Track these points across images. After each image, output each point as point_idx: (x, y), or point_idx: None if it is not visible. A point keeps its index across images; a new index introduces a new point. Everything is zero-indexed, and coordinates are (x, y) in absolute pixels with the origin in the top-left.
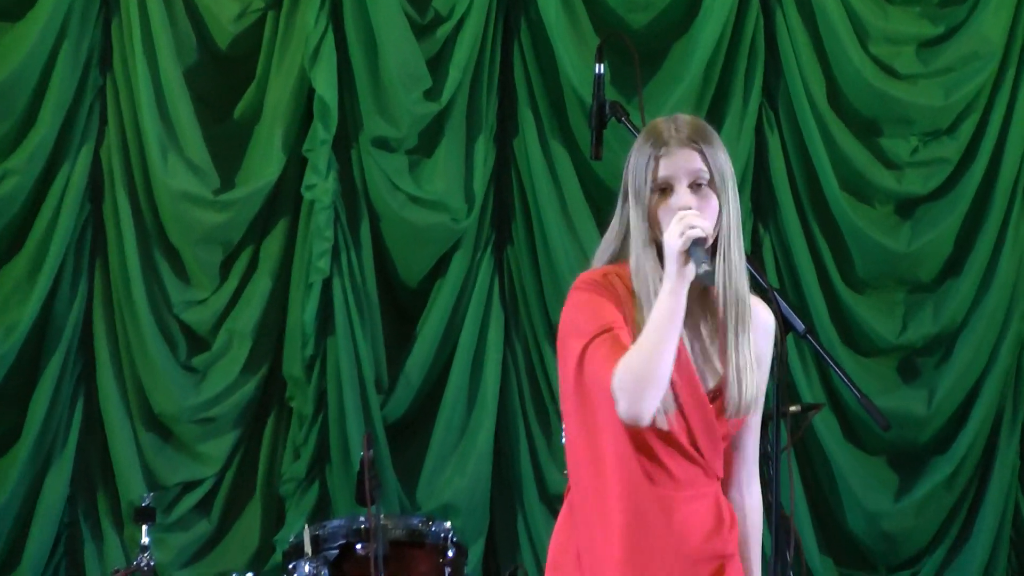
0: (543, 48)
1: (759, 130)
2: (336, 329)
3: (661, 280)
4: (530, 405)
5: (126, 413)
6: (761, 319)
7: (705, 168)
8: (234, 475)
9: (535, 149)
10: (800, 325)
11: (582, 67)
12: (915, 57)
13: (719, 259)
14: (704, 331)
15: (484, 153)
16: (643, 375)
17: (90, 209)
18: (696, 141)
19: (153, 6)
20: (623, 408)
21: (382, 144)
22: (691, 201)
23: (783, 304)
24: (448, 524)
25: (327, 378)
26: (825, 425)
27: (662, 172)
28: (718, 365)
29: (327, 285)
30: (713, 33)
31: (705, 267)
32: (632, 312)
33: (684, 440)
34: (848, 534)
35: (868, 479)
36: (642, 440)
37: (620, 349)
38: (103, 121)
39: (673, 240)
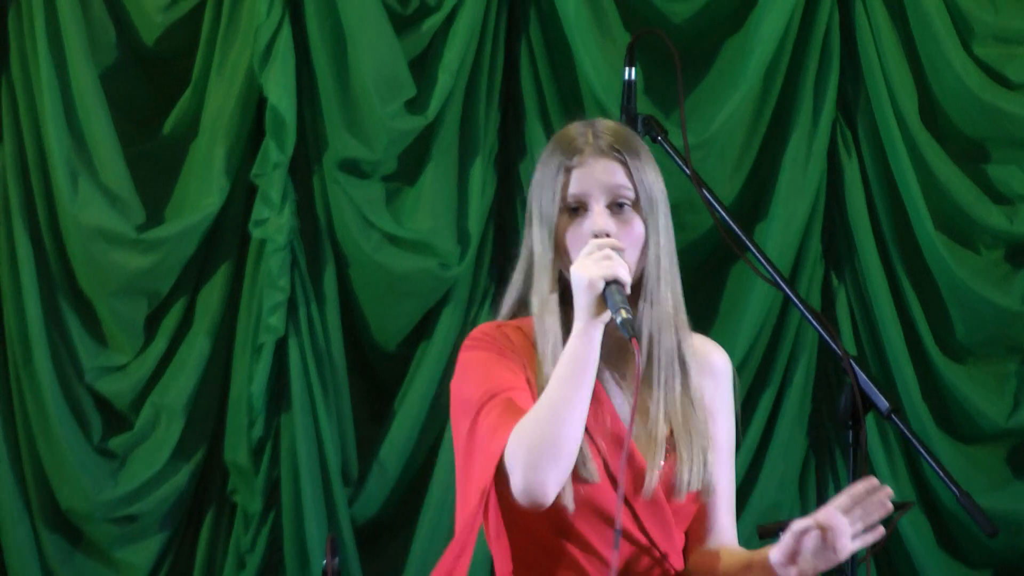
0: (558, 47)
1: (833, 154)
2: (292, 404)
3: (569, 328)
4: None
5: (24, 509)
6: (709, 362)
7: (629, 184)
8: None
9: None
10: (883, 402)
11: (608, 72)
12: None
13: (644, 303)
14: (643, 388)
15: (482, 180)
16: (542, 441)
17: None
18: (619, 151)
19: None
20: (517, 484)
21: (352, 168)
22: (609, 225)
23: (862, 376)
24: None
25: (280, 466)
26: (915, 529)
27: (573, 187)
28: (656, 433)
29: (281, 348)
30: (775, 29)
31: (624, 314)
32: (533, 373)
33: (627, 521)
34: None
35: None
36: (569, 526)
37: (515, 414)
38: None
39: (584, 273)
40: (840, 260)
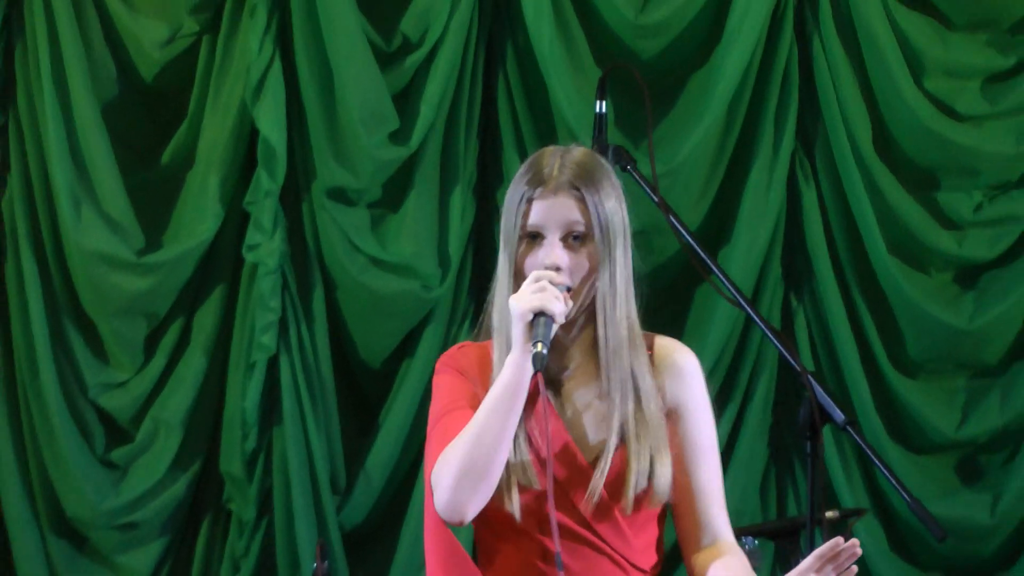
0: (534, 81)
1: (792, 182)
2: (283, 418)
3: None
4: None
5: (32, 517)
6: (671, 361)
7: (582, 220)
8: None
9: None
10: (840, 415)
11: (580, 104)
12: (980, 95)
13: (598, 327)
14: (597, 403)
15: (462, 207)
16: (466, 463)
17: None
18: (578, 187)
19: (65, 30)
20: (439, 502)
21: (339, 196)
22: (562, 257)
23: (819, 390)
24: None
25: (272, 476)
26: (869, 535)
27: (533, 217)
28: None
29: (272, 365)
30: (738, 64)
31: (540, 348)
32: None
33: (571, 523)
34: None
35: None
36: (519, 527)
37: (453, 435)
38: (4, 167)
39: (517, 304)
40: (799, 282)
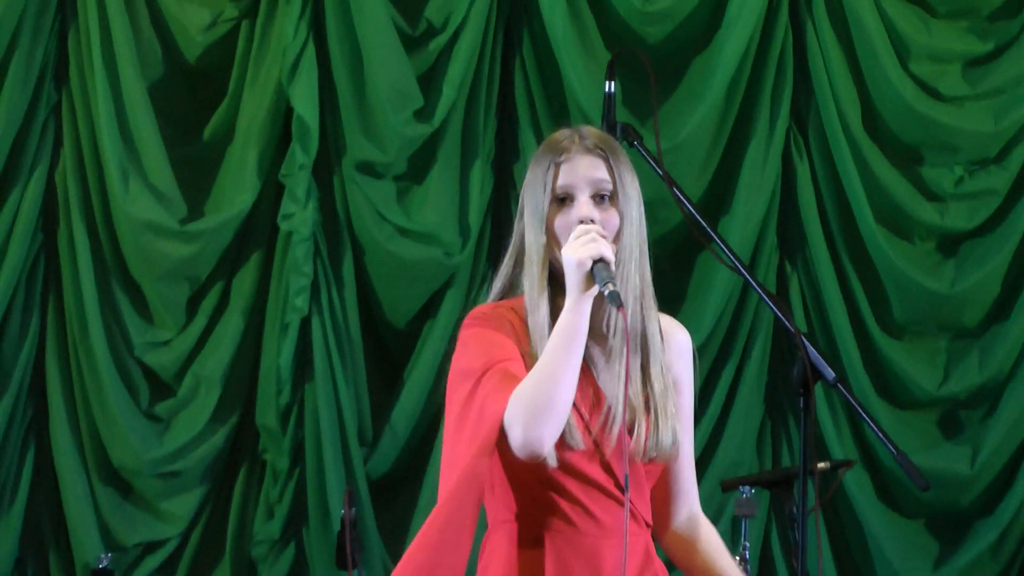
0: (548, 64)
1: (787, 157)
2: (315, 374)
3: (558, 309)
4: None
5: (81, 466)
6: (674, 339)
7: (609, 179)
8: (200, 535)
9: None
10: (830, 374)
11: (591, 85)
12: (961, 77)
13: (617, 282)
14: (616, 362)
15: (481, 180)
16: (539, 401)
17: (43, 239)
18: (602, 149)
19: (115, 14)
20: (517, 438)
21: (367, 169)
22: (594, 213)
23: (811, 350)
24: None
25: (304, 429)
26: (857, 485)
27: (562, 180)
28: (634, 400)
29: (305, 325)
30: (737, 49)
31: (611, 287)
32: (527, 346)
33: (604, 479)
34: None
35: (905, 545)
36: (557, 484)
37: (512, 380)
38: (58, 141)
39: (573, 254)
40: (793, 250)
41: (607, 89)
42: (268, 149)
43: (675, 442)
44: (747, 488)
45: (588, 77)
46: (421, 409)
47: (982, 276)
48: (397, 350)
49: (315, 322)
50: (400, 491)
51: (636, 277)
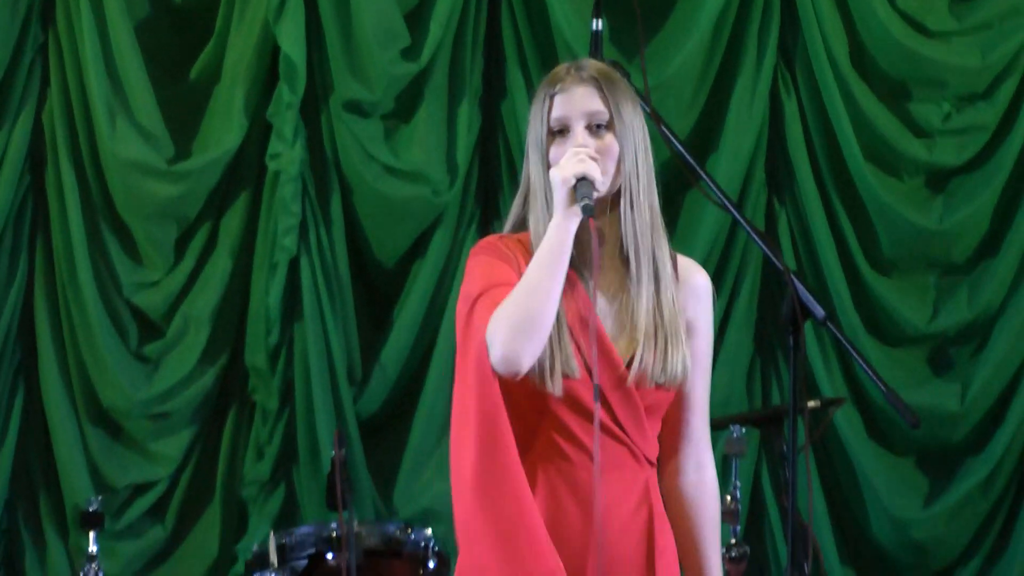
0: (534, 2)
1: (774, 94)
2: (304, 314)
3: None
4: None
5: (71, 407)
6: (692, 281)
7: (604, 108)
8: (190, 476)
9: (525, 114)
10: (820, 311)
11: (578, 23)
12: (948, 12)
13: (623, 211)
14: (621, 293)
15: (468, 119)
16: (518, 315)
17: (30, 180)
18: (596, 78)
19: None
20: (496, 354)
21: (355, 108)
22: (588, 142)
23: (800, 288)
24: (428, 531)
25: (294, 369)
26: (847, 422)
27: (556, 111)
28: (636, 330)
29: (294, 265)
30: None
31: (586, 201)
32: None
33: (601, 414)
34: (872, 543)
35: (895, 482)
36: (553, 415)
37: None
38: (45, 82)
39: (558, 172)
40: (781, 187)
41: (594, 26)
42: (255, 88)
43: (685, 371)
44: (737, 427)
45: (575, 14)
46: (411, 348)
47: (971, 212)
48: (386, 289)
49: (303, 262)
50: (390, 431)
51: (647, 207)
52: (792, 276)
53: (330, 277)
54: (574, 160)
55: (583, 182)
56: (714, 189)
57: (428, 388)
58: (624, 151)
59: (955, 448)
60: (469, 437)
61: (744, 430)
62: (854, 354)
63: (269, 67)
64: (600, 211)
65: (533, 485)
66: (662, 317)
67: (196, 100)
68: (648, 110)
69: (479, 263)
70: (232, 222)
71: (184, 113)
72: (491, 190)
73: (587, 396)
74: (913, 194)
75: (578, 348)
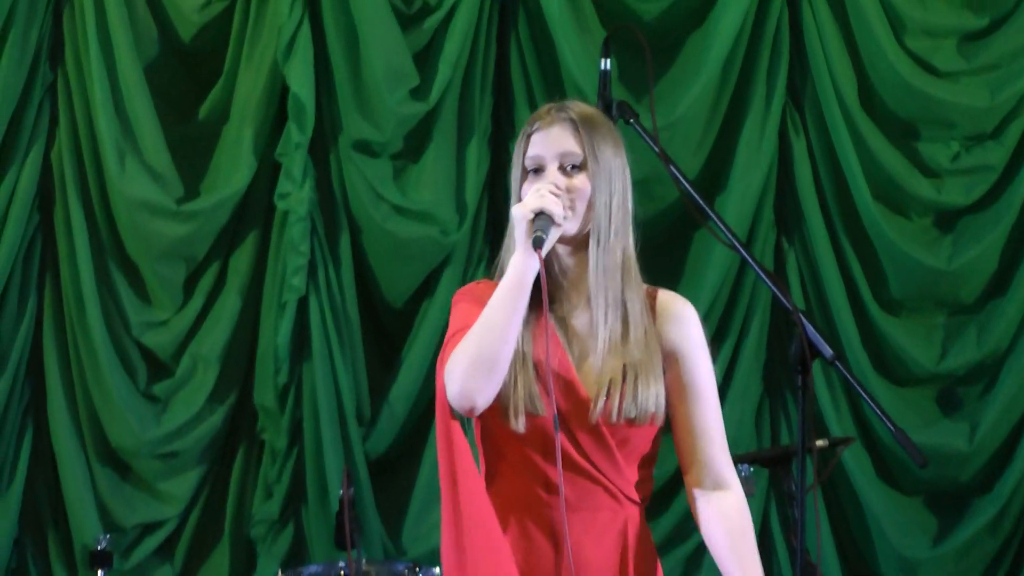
0: (543, 41)
1: (783, 134)
2: (312, 354)
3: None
4: None
5: (79, 446)
6: (672, 309)
7: (578, 149)
8: (199, 516)
9: None
10: (828, 351)
11: (587, 62)
12: (957, 52)
13: (590, 251)
14: (589, 330)
15: (477, 158)
16: (474, 351)
17: (39, 219)
18: (573, 119)
19: None
20: (453, 391)
21: (364, 148)
22: (559, 179)
23: (809, 327)
24: (437, 570)
25: (302, 408)
26: (856, 462)
27: (531, 151)
28: (601, 368)
29: (302, 305)
30: (732, 25)
31: (538, 233)
32: None
33: (572, 452)
34: None
35: (903, 522)
36: (523, 454)
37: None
38: (54, 121)
39: (518, 209)
40: (790, 226)
41: (603, 66)
42: (264, 128)
43: (658, 407)
44: (746, 466)
45: (584, 54)
46: (419, 388)
47: (979, 252)
48: (394, 329)
49: (312, 301)
50: (398, 470)
51: (618, 249)
52: (801, 316)
53: (339, 317)
54: (534, 196)
55: (541, 216)
56: (723, 229)
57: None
58: (596, 192)
59: (963, 488)
60: (443, 476)
61: (753, 469)
62: (862, 394)
63: (278, 107)
64: (573, 249)
65: (505, 524)
66: (629, 354)
67: (205, 140)
68: (657, 150)
69: (457, 311)
70: (241, 262)
71: (193, 153)
72: (500, 230)
73: (551, 434)
74: (922, 234)
75: (544, 388)
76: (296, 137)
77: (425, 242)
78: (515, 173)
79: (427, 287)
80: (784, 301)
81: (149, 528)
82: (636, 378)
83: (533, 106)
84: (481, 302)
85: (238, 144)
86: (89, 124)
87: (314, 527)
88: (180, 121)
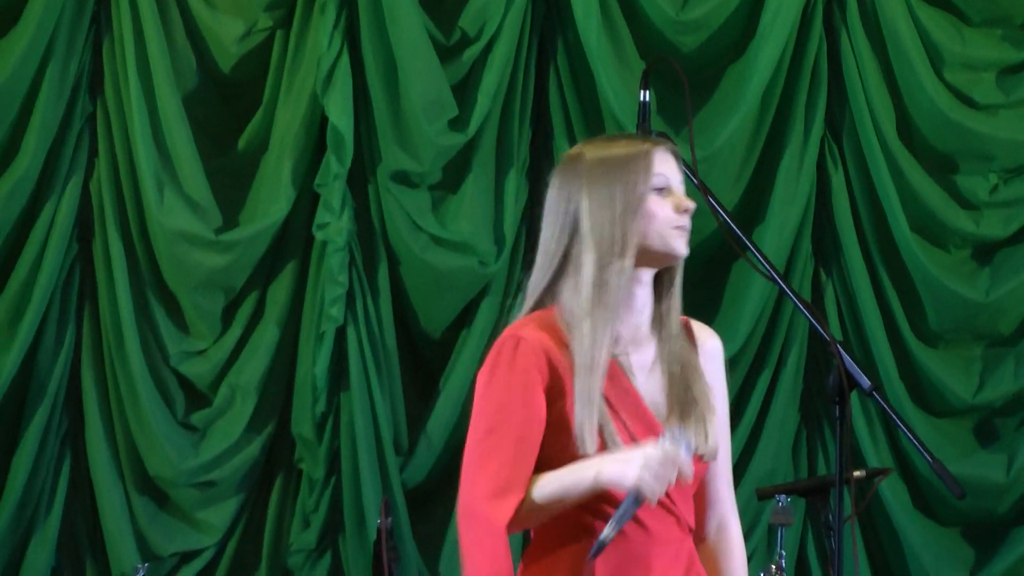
0: (582, 73)
1: (821, 166)
2: (350, 384)
3: (612, 334)
4: None
5: (117, 476)
6: (708, 345)
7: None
8: (237, 545)
9: None
10: (866, 382)
11: (625, 95)
12: (996, 85)
13: (666, 285)
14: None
15: (515, 189)
16: (531, 519)
17: (78, 249)
18: (677, 153)
19: (149, 25)
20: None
21: (402, 179)
22: (691, 206)
23: (847, 358)
24: None
25: (340, 438)
26: (893, 493)
27: (659, 167)
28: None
29: (340, 335)
30: (771, 57)
31: (609, 531)
32: (567, 380)
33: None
34: None
35: (941, 553)
36: (604, 491)
37: (497, 457)
38: (93, 152)
39: (640, 477)
40: (828, 258)
41: (642, 98)
42: (303, 159)
43: (712, 441)
44: (783, 497)
45: (622, 86)
46: (457, 418)
47: (1017, 284)
48: (432, 359)
49: (350, 331)
50: (436, 500)
51: (678, 286)
52: (838, 347)
53: (377, 347)
54: (661, 477)
55: (637, 501)
56: (761, 260)
57: None
58: None
59: (1001, 519)
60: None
61: (790, 500)
62: (900, 425)
63: (317, 137)
64: (648, 280)
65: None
66: (697, 389)
67: (244, 170)
68: (696, 182)
69: (494, 397)
70: (279, 292)
71: (232, 183)
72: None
73: None
74: (959, 266)
75: (624, 428)
76: (335, 168)
77: (463, 273)
78: (631, 190)
79: (465, 317)
80: (822, 332)
81: (187, 557)
82: (705, 414)
83: (571, 138)
84: (521, 387)
85: (277, 175)
86: (128, 155)
87: (351, 557)
88: (219, 152)
